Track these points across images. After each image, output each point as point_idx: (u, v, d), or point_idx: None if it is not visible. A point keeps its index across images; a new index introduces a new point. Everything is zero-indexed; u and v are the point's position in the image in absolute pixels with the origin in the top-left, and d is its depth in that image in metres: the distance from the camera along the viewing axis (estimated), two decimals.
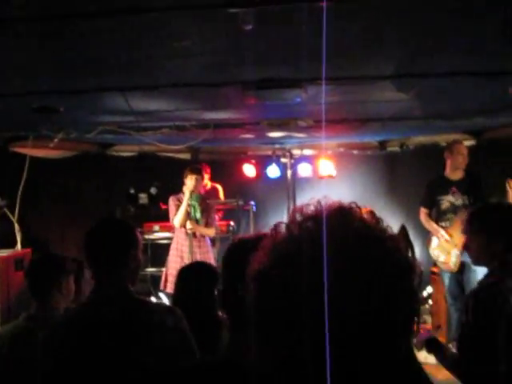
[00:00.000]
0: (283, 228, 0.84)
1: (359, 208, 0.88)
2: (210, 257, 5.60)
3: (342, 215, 0.84)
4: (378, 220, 0.87)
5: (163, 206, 6.32)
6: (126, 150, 6.98)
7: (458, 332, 2.57)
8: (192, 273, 2.79)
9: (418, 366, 0.85)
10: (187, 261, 5.29)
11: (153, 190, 6.42)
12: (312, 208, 0.85)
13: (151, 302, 2.11)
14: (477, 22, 2.50)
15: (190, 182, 5.35)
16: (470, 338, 2.24)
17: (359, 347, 0.76)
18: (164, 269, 5.72)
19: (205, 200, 5.59)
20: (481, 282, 2.46)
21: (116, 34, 2.58)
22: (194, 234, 5.48)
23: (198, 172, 5.47)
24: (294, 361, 0.78)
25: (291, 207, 7.16)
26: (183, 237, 5.48)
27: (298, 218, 0.83)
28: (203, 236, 5.57)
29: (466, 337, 2.28)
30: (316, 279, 0.74)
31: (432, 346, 2.49)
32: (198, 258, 5.45)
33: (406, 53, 3.00)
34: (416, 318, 0.83)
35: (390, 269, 0.80)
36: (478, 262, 2.54)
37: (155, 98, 4.02)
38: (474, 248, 2.46)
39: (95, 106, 4.26)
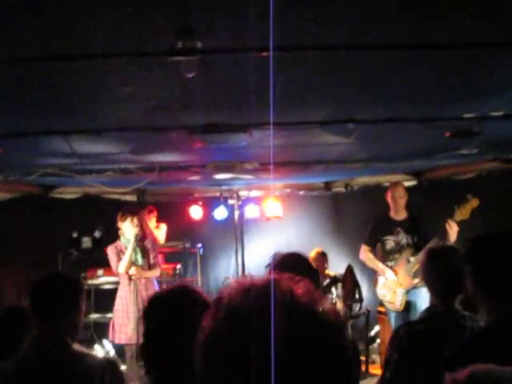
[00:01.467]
0: (222, 302, 0.87)
1: (292, 279, 0.90)
2: None
3: (277, 291, 0.86)
4: (309, 291, 0.89)
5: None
6: (69, 192, 6.81)
7: None
8: None
9: None
10: (133, 308, 5.15)
11: (97, 234, 6.26)
12: (247, 281, 0.89)
13: (90, 357, 2.05)
14: (411, 72, 2.62)
15: (131, 225, 5.24)
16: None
17: None
18: (111, 317, 5.52)
19: (143, 241, 5.48)
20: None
21: (58, 78, 2.55)
22: (139, 279, 5.35)
23: (136, 213, 5.38)
24: None
25: (239, 249, 7.14)
26: (127, 283, 5.32)
27: (234, 293, 0.87)
28: (149, 279, 5.45)
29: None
30: (249, 352, 0.77)
31: None
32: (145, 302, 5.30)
33: (345, 100, 3.11)
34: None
35: (324, 347, 0.83)
36: None
37: (99, 142, 3.96)
38: None
39: (36, 149, 4.15)
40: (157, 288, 5.51)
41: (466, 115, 3.47)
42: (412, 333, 2.40)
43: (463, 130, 3.76)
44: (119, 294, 5.39)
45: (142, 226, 5.51)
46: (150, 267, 5.43)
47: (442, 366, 1.71)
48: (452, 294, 2.41)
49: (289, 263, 2.30)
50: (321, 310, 0.86)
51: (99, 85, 2.65)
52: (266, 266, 2.38)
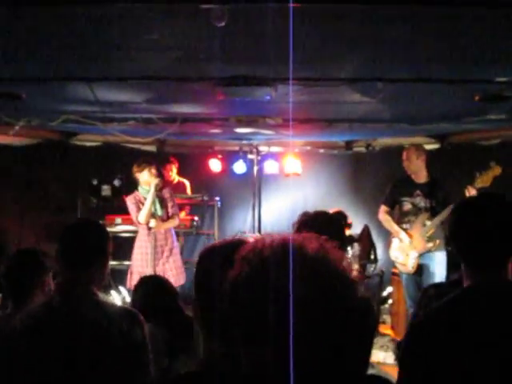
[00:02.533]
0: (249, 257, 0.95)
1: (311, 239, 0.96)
2: (177, 251, 5.54)
3: (298, 248, 0.93)
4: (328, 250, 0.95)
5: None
6: (90, 140, 6.85)
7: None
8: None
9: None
10: (152, 257, 5.23)
11: (116, 182, 6.29)
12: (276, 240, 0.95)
13: (111, 307, 2.05)
14: (442, 33, 2.54)
15: (149, 175, 5.25)
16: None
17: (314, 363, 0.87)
18: (129, 262, 5.62)
19: (161, 191, 5.48)
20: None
21: (84, 23, 2.51)
22: (159, 230, 5.39)
23: (153, 164, 5.37)
24: (261, 364, 0.89)
25: (256, 204, 7.16)
26: (146, 233, 5.38)
27: (263, 247, 0.94)
28: (167, 229, 5.50)
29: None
30: (276, 303, 0.85)
31: None
32: (166, 252, 5.38)
33: (374, 58, 3.03)
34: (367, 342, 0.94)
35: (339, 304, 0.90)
36: None
37: (123, 90, 3.95)
38: None
39: (60, 95, 4.15)
40: (174, 238, 5.57)
41: (498, 79, 3.38)
42: (442, 294, 2.40)
43: (493, 93, 3.67)
44: (138, 244, 5.45)
45: (163, 177, 5.51)
46: (169, 217, 5.47)
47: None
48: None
49: (316, 223, 2.31)
50: (340, 269, 0.93)
51: (124, 32, 2.61)
52: (293, 225, 2.40)
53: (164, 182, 5.65)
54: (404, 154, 5.30)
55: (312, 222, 2.37)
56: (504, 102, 3.79)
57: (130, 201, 5.40)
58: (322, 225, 2.36)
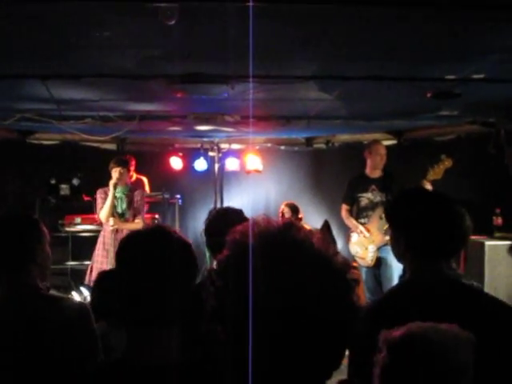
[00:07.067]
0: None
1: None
2: None
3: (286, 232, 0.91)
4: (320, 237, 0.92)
5: (86, 198, 6.12)
6: (47, 139, 6.72)
7: None
8: None
9: None
10: (113, 254, 5.16)
11: (75, 181, 6.20)
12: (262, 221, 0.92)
13: (62, 299, 2.02)
14: (397, 31, 2.60)
15: (113, 174, 5.21)
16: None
17: (281, 353, 0.83)
18: (89, 262, 5.54)
19: (133, 192, 5.40)
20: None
21: (36, 20, 2.48)
22: (121, 229, 5.30)
23: (122, 164, 5.30)
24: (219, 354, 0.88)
25: (218, 201, 7.17)
26: (110, 230, 5.31)
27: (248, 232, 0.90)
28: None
29: None
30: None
31: None
32: None
33: (329, 56, 3.08)
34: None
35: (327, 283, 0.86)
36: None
37: (78, 87, 3.88)
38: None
39: (13, 93, 4.07)
40: None
41: (448, 76, 3.47)
42: None
43: (445, 91, 3.77)
44: (101, 240, 5.38)
45: (129, 177, 5.41)
46: (134, 218, 5.37)
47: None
48: None
49: (227, 218, 2.35)
50: (336, 261, 0.89)
51: (76, 29, 2.58)
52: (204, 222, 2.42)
53: (137, 184, 5.55)
54: (380, 148, 5.40)
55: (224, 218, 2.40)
56: (455, 99, 3.90)
57: (99, 194, 5.33)
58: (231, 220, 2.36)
